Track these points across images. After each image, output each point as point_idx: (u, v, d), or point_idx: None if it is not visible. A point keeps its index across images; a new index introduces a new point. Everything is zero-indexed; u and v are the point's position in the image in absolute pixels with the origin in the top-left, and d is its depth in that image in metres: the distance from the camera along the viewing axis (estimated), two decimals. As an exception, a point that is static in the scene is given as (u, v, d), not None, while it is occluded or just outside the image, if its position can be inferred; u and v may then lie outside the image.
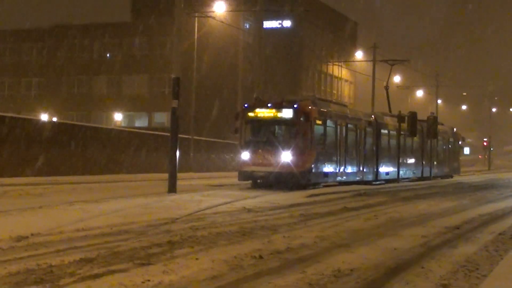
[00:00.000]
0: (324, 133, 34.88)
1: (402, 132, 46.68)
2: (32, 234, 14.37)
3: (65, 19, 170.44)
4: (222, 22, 61.20)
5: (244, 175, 33.32)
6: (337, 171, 36.18)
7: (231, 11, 66.56)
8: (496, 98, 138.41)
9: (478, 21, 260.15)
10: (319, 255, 13.50)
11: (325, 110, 35.29)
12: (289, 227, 17.72)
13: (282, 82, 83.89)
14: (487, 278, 10.95)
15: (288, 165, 31.60)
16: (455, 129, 63.27)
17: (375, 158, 41.99)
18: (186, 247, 13.78)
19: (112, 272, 10.96)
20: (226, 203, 23.37)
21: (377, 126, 42.61)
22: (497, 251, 14.58)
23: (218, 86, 76.76)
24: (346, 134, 37.51)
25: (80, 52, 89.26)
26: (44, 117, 75.99)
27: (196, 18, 59.18)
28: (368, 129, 41.00)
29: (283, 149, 32.01)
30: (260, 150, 32.72)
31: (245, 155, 32.95)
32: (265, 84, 73.28)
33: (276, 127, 34.27)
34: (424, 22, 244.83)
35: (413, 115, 46.06)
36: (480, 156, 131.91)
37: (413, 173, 50.66)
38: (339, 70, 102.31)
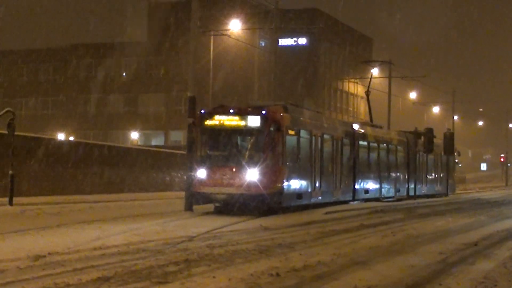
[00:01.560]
0: (298, 146, 29.23)
1: (385, 144, 41.66)
2: (49, 253, 14.41)
3: (82, 39, 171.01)
4: (237, 40, 61.32)
5: (200, 198, 27.15)
6: (312, 190, 30.50)
7: (246, 29, 66.78)
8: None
9: (496, 40, 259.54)
10: (336, 272, 13.46)
11: (299, 118, 29.77)
12: (306, 244, 17.69)
13: (298, 99, 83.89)
14: (505, 295, 10.88)
15: (255, 185, 25.95)
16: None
17: (353, 175, 36.14)
18: (203, 265, 13.77)
19: (131, 290, 10.98)
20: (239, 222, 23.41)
21: (356, 137, 36.90)
22: (515, 268, 14.50)
23: (234, 103, 76.88)
24: (322, 147, 31.84)
25: (97, 71, 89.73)
26: (60, 136, 76.29)
27: (212, 37, 59.38)
28: (346, 141, 35.37)
29: (248, 165, 26.31)
30: (220, 167, 26.89)
31: (202, 173, 26.83)
32: (280, 101, 73.15)
33: (240, 138, 28.20)
34: (441, 38, 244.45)
35: (429, 132, 45.85)
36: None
37: (398, 191, 43.67)
38: (354, 87, 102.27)
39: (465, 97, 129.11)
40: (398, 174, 43.60)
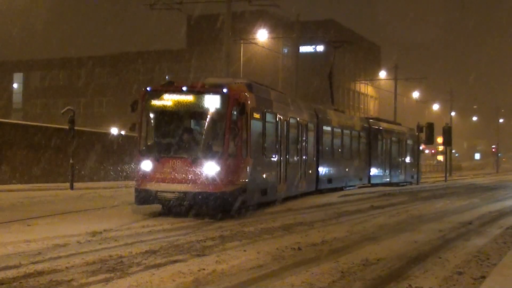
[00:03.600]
0: (263, 132, 21.21)
1: (348, 130, 33.84)
2: (104, 230, 14.53)
3: (131, 46, 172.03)
4: (264, 47, 61.21)
5: (144, 197, 18.50)
6: (278, 184, 22.71)
7: (271, 38, 66.72)
8: (502, 110, 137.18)
9: (489, 44, 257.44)
10: (350, 247, 13.46)
11: (265, 99, 21.93)
12: (323, 223, 17.69)
13: (316, 99, 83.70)
14: (496, 267, 10.85)
15: (214, 181, 18.00)
16: (415, 131, 47.69)
17: (316, 163, 28.62)
18: (235, 241, 13.83)
19: (173, 262, 11.04)
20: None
21: (319, 121, 29.23)
22: (505, 243, 14.45)
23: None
24: (288, 133, 24.08)
25: (143, 75, 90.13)
26: (114, 130, 76.73)
27: (242, 45, 59.37)
28: (310, 125, 27.53)
29: (206, 156, 18.16)
30: (169, 158, 18.45)
31: (146, 165, 18.52)
32: (306, 101, 73.05)
33: (195, 122, 20.21)
34: (440, 43, 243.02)
35: (430, 125, 45.55)
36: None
37: (360, 179, 36.07)
38: (365, 88, 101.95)
39: (461, 96, 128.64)
40: (361, 162, 35.88)
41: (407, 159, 44.37)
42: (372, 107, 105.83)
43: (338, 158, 32.01)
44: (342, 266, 11.10)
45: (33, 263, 10.54)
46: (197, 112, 19.34)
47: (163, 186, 18.15)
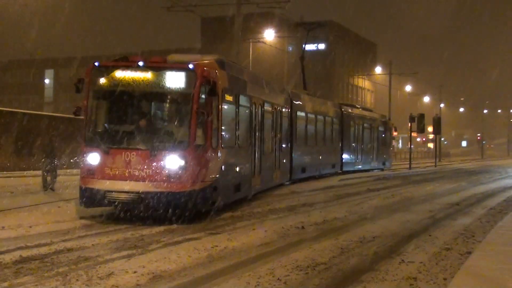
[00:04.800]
0: (237, 118, 16.52)
1: (322, 116, 29.32)
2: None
3: (151, 45, 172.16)
4: (271, 46, 61.05)
5: (90, 198, 13.64)
6: (252, 177, 18.00)
7: (278, 37, 66.55)
8: (487, 102, 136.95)
9: (478, 40, 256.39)
10: (349, 226, 13.47)
11: (239, 79, 17.09)
12: (325, 204, 17.70)
13: (318, 92, 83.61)
14: (481, 243, 10.84)
15: (178, 177, 13.27)
16: (386, 117, 44.29)
17: (290, 152, 23.97)
18: (245, 220, 13.86)
19: (188, 239, 11.08)
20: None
21: (293, 107, 24.69)
22: (488, 222, 14.43)
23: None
24: (263, 119, 19.50)
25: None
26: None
27: (251, 44, 59.25)
28: (284, 111, 22.88)
29: (167, 147, 13.52)
30: (122, 150, 13.54)
31: (93, 158, 13.69)
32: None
33: (154, 105, 14.81)
34: (432, 40, 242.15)
35: (421, 116, 45.36)
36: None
37: (333, 167, 31.55)
38: (363, 82, 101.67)
39: (450, 89, 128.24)
40: (334, 149, 31.51)
41: (379, 146, 39.82)
42: (369, 100, 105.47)
43: (312, 145, 27.53)
44: (341, 243, 11.12)
45: None
46: (157, 93, 14.09)
47: (114, 185, 13.18)
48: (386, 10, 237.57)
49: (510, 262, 8.93)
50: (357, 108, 38.13)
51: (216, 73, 14.52)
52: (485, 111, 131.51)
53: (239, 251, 10.23)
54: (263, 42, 57.15)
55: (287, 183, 23.75)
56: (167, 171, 13.13)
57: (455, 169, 48.95)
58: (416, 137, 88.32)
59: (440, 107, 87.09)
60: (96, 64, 14.10)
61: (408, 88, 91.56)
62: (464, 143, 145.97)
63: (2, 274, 8.30)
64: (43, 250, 9.85)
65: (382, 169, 40.21)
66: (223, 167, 14.82)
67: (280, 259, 9.64)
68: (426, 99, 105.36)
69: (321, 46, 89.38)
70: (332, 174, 30.91)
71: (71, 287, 7.72)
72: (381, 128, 40.30)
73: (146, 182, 13.07)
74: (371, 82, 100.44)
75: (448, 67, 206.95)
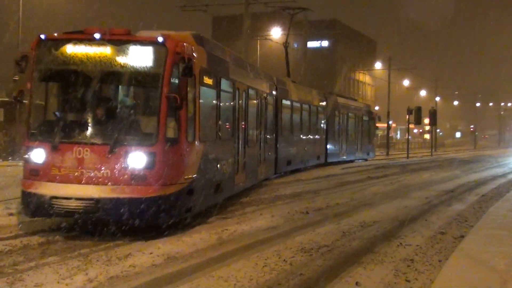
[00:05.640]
0: (217, 105, 12.94)
1: (307, 105, 25.82)
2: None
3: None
4: (277, 43, 60.94)
5: (34, 206, 9.87)
6: (235, 174, 14.35)
7: (283, 34, 66.35)
8: (479, 96, 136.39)
9: (470, 37, 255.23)
10: (350, 211, 13.47)
11: (221, 59, 13.46)
12: (328, 191, 17.69)
13: (322, 87, 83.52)
14: (473, 227, 10.84)
15: (143, 179, 9.70)
16: (370, 106, 41.59)
17: (275, 143, 20.62)
18: (253, 206, 13.88)
19: (200, 223, 11.10)
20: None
21: (279, 94, 21.25)
22: (481, 208, 14.41)
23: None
24: (247, 107, 15.90)
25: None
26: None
27: (258, 41, 59.17)
28: (269, 99, 19.34)
29: (131, 142, 9.87)
30: (73, 145, 9.82)
31: (37, 156, 10.01)
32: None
33: (115, 88, 11.13)
34: (429, 36, 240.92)
35: (418, 109, 45.17)
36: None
37: (318, 158, 27.77)
38: (363, 77, 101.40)
39: (445, 83, 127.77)
40: (319, 139, 28.01)
41: (363, 136, 36.23)
42: (369, 93, 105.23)
43: (297, 136, 24.17)
44: (343, 227, 11.13)
45: None
46: (119, 74, 10.30)
47: (62, 190, 9.70)
48: (386, 8, 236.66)
49: (501, 245, 8.94)
50: (342, 97, 34.84)
51: (193, 49, 10.75)
52: (478, 104, 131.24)
53: (248, 234, 10.26)
54: (269, 39, 57.04)
55: (273, 176, 20.52)
56: (130, 172, 9.65)
57: (450, 158, 48.81)
58: (413, 129, 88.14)
59: (436, 101, 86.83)
60: (43, 36, 10.38)
61: (406, 82, 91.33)
62: (458, 134, 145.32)
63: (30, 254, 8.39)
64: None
65: (366, 159, 37.01)
66: (201, 164, 11.19)
67: (286, 241, 9.67)
68: (423, 93, 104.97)
69: (325, 43, 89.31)
70: (316, 166, 27.54)
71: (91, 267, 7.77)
72: (365, 118, 36.90)
73: (104, 186, 9.58)
74: (372, 77, 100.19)
75: (444, 62, 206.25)
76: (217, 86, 12.74)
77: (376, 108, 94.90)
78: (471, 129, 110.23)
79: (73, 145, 9.78)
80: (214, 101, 12.67)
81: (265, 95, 18.45)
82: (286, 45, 32.19)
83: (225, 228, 10.61)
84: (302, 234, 10.32)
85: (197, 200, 10.95)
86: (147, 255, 8.51)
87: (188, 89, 10.49)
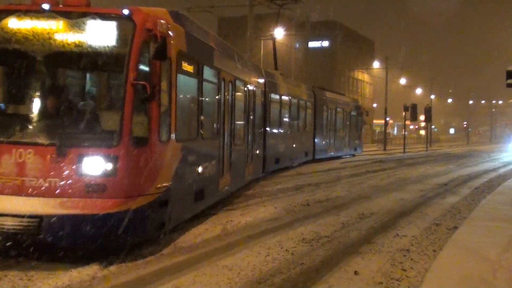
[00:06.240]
0: (199, 97, 9.99)
1: (296, 100, 23.73)
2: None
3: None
4: (280, 42, 60.90)
5: None
6: (220, 178, 11.55)
7: (286, 35, 66.33)
8: (472, 94, 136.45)
9: (464, 38, 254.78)
10: (349, 203, 13.46)
11: (203, 42, 10.38)
12: (327, 184, 17.67)
13: (322, 85, 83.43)
14: (466, 219, 10.84)
15: (100, 190, 7.04)
16: (358, 101, 39.74)
17: (263, 141, 18.33)
18: (256, 198, 13.88)
19: (206, 214, 11.09)
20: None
21: (267, 88, 19.14)
22: (473, 200, 14.41)
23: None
24: (234, 101, 13.07)
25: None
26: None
27: (262, 41, 59.13)
28: (258, 92, 16.93)
29: (83, 142, 7.22)
30: (12, 146, 7.13)
31: None
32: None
33: (67, 74, 8.56)
34: (426, 36, 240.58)
35: (414, 106, 45.09)
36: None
37: (306, 155, 25.56)
38: (362, 75, 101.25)
39: (439, 82, 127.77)
40: (307, 135, 25.76)
41: (351, 131, 33.98)
42: (367, 91, 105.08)
43: (286, 132, 22.09)
44: (342, 219, 11.13)
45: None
46: (73, 55, 7.67)
47: None
48: (384, 10, 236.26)
49: (492, 236, 8.94)
50: (330, 92, 32.40)
51: (168, 26, 8.20)
52: (471, 102, 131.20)
53: (251, 225, 10.26)
54: (273, 39, 57.07)
55: (261, 175, 18.07)
56: (85, 181, 7.15)
57: (444, 153, 48.71)
58: (409, 125, 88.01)
59: (431, 98, 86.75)
60: None
61: (403, 81, 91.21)
62: (452, 130, 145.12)
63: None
64: None
65: (353, 155, 34.74)
66: (178, 169, 8.68)
67: (288, 232, 9.66)
68: (419, 91, 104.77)
69: (325, 43, 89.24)
70: (305, 163, 25.41)
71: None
72: (353, 113, 34.61)
73: (51, 199, 7.07)
74: (370, 76, 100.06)
75: (438, 62, 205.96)
76: (198, 74, 9.98)
77: (374, 105, 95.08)
78: (464, 126, 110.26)
79: (12, 145, 7.23)
80: (194, 92, 9.94)
81: (253, 88, 15.91)
82: (273, 38, 30.53)
83: (230, 219, 10.62)
84: (303, 225, 10.32)
85: (173, 213, 8.50)
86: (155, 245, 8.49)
87: (162, 76, 7.91)
